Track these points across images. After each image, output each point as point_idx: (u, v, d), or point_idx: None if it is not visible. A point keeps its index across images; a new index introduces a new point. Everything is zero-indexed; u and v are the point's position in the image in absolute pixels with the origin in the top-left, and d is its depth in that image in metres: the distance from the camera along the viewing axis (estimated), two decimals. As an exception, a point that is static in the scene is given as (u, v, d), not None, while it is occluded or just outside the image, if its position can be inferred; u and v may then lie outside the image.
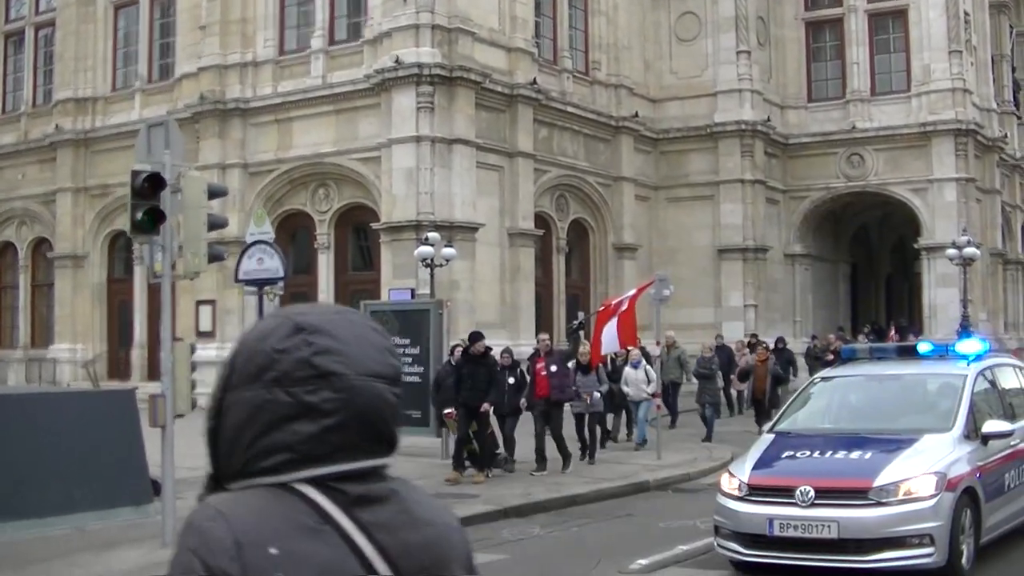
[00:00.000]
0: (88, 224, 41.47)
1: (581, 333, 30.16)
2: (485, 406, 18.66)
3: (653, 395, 23.35)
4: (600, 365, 22.33)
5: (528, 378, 20.48)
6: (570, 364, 21.57)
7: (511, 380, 19.75)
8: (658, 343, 24.36)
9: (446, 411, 19.42)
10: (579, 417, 21.37)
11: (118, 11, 42.28)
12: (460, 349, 20.02)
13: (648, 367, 23.86)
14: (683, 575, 11.64)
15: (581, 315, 35.43)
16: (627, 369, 23.85)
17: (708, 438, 24.80)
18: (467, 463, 18.90)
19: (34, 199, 43.44)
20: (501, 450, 19.66)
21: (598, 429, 21.94)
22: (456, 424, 18.96)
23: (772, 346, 30.90)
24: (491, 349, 19.77)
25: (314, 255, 36.22)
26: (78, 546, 12.78)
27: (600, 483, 18.42)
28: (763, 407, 25.45)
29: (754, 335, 36.32)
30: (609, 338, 21.82)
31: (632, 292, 23.98)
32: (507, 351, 20.51)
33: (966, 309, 38.52)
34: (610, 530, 14.98)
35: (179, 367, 12.99)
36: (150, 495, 14.78)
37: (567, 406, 20.66)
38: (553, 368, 20.24)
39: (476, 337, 19.70)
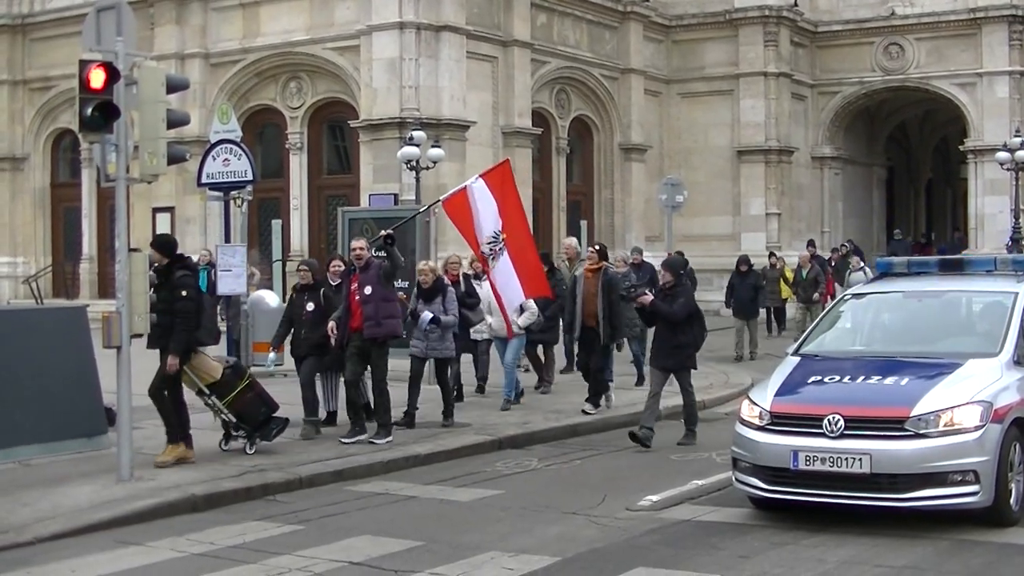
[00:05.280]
0: (28, 122, 41.23)
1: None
2: (171, 361, 13.60)
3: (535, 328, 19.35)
4: (452, 285, 17.82)
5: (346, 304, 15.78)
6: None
7: (310, 307, 16.19)
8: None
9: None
10: (417, 363, 16.99)
11: None
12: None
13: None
14: (698, 512, 11.68)
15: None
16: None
17: (639, 380, 20.93)
18: (236, 432, 14.44)
19: (-35, 93, 43.15)
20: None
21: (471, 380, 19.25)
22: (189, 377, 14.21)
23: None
24: (186, 258, 14.40)
25: (285, 156, 36.13)
26: (23, 482, 12.82)
27: (604, 411, 18.50)
28: (594, 342, 18.16)
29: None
30: (510, 287, 16.67)
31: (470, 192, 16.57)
32: (307, 263, 17.14)
33: (1017, 220, 38.53)
34: (617, 463, 15.03)
35: (135, 282, 12.90)
36: (104, 425, 14.82)
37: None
38: (368, 290, 15.40)
39: (162, 243, 14.35)
